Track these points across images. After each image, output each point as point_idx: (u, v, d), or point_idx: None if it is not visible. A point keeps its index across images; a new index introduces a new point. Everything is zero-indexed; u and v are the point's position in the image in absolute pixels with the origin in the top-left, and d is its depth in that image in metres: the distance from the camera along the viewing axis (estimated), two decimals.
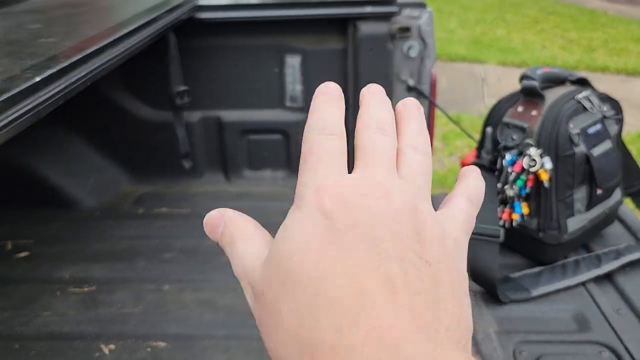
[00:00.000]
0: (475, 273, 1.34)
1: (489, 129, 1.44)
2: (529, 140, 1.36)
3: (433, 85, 1.80)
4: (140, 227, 1.74)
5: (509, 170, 1.37)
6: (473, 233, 1.11)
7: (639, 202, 1.65)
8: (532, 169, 1.35)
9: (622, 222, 1.72)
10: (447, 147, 4.19)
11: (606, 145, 1.44)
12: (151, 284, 1.47)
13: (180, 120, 1.73)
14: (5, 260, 1.59)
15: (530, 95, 1.41)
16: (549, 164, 1.34)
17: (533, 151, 1.34)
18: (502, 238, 1.33)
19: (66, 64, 0.97)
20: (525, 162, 1.35)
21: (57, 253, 1.61)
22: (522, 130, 1.38)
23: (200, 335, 1.29)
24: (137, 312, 1.37)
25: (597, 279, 1.44)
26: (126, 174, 2.03)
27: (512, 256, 1.54)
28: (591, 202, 1.44)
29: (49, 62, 0.97)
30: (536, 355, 1.20)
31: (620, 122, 1.51)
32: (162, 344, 1.26)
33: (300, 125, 1.93)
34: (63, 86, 0.94)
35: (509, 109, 1.44)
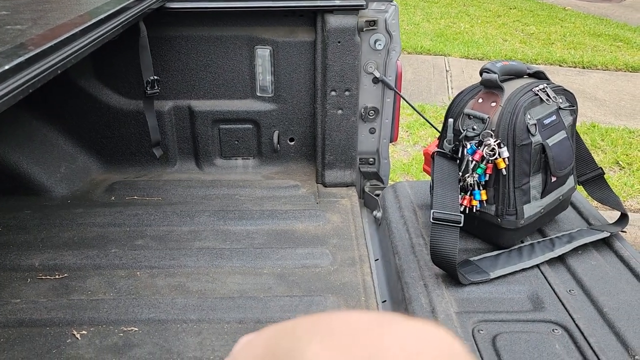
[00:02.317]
0: (437, 257, 1.41)
1: (450, 120, 1.50)
2: (489, 131, 1.43)
3: (399, 77, 1.86)
4: (111, 214, 1.74)
5: (470, 159, 1.44)
6: (435, 218, 1.18)
7: (591, 189, 1.75)
8: (491, 158, 1.42)
9: (575, 207, 1.82)
10: (412, 136, 4.29)
11: (561, 135, 1.53)
12: (123, 271, 1.49)
13: (151, 109, 1.74)
14: None
15: (490, 87, 1.48)
16: (506, 153, 1.42)
17: (492, 141, 1.42)
18: (461, 223, 1.40)
19: (36, 52, 0.97)
20: (485, 151, 1.42)
21: (26, 241, 1.61)
22: (482, 121, 1.45)
23: (172, 320, 1.32)
24: (109, 299, 1.39)
25: (551, 262, 1.53)
26: (97, 162, 2.02)
27: (473, 241, 1.62)
28: (546, 189, 1.53)
29: (17, 50, 0.97)
30: (493, 333, 1.28)
31: (574, 113, 1.60)
32: (134, 328, 1.29)
33: (270, 114, 1.97)
34: (32, 74, 0.94)
35: (469, 100, 1.51)
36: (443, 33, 7.18)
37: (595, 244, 1.61)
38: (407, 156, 4.01)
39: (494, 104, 1.47)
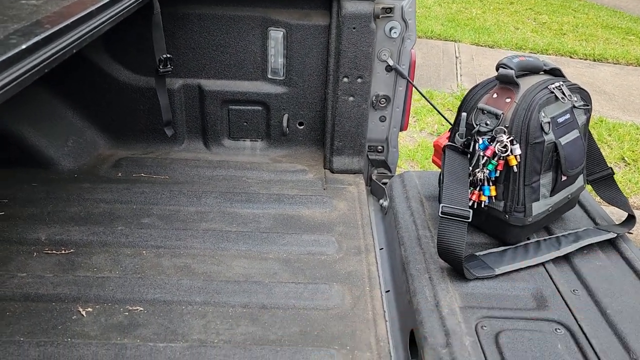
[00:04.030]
0: (444, 251, 1.41)
1: (463, 114, 1.49)
2: (502, 127, 1.42)
3: (412, 66, 1.84)
4: (118, 191, 1.74)
5: (481, 154, 1.43)
6: (444, 213, 1.18)
7: (599, 188, 1.75)
8: (503, 155, 1.41)
9: (582, 206, 1.82)
10: (418, 122, 4.27)
11: (574, 134, 1.52)
12: (129, 249, 1.49)
13: (163, 88, 1.73)
14: None
15: (506, 82, 1.47)
16: (518, 150, 1.41)
17: (505, 137, 1.41)
18: (470, 219, 1.40)
19: (52, 31, 0.94)
20: (497, 147, 1.41)
21: (32, 214, 1.61)
22: (496, 116, 1.44)
23: (177, 301, 1.32)
24: (114, 277, 1.39)
25: (556, 260, 1.53)
26: (105, 138, 2.02)
27: (479, 235, 1.62)
28: (556, 188, 1.52)
29: (33, 28, 0.94)
30: (497, 330, 1.29)
31: (588, 112, 1.58)
32: (139, 308, 1.30)
33: (281, 98, 1.95)
34: (49, 54, 0.92)
35: (484, 95, 1.50)
36: (454, 18, 7.09)
37: (601, 244, 1.61)
38: (413, 142, 4.00)
39: (508, 100, 1.45)
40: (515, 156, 1.41)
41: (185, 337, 1.22)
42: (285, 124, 1.96)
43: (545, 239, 1.58)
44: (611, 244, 1.62)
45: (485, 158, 1.43)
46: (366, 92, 1.83)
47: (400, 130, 1.97)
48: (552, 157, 1.48)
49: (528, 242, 1.57)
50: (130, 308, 1.29)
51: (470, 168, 1.48)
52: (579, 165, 1.54)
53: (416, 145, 3.95)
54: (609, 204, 1.74)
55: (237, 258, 1.49)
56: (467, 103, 1.52)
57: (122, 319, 1.27)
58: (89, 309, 1.29)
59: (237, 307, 1.32)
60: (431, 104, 1.96)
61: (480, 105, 1.48)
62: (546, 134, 1.44)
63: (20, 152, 1.81)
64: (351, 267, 1.48)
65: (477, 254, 1.51)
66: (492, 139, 1.43)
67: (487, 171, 1.46)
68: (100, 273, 1.40)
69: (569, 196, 1.61)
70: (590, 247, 1.58)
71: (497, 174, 1.46)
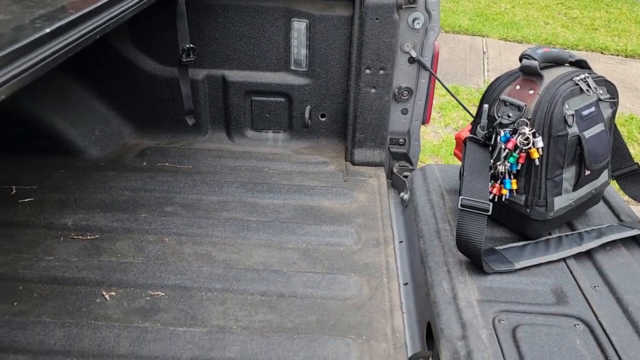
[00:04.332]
0: (463, 244, 1.41)
1: (485, 106, 1.48)
2: (524, 119, 1.40)
3: (435, 58, 1.83)
4: (142, 179, 1.78)
5: (502, 146, 1.42)
6: (463, 205, 1.17)
7: (625, 185, 1.71)
8: (525, 147, 1.40)
9: (607, 202, 1.79)
10: (444, 118, 4.23)
11: (599, 127, 1.49)
12: (152, 236, 1.52)
13: (185, 78, 1.75)
14: (9, 205, 1.63)
15: (529, 74, 1.45)
16: (540, 143, 1.39)
17: (527, 130, 1.39)
18: (490, 212, 1.39)
19: (76, 16, 0.97)
20: (519, 140, 1.40)
21: (60, 200, 1.66)
22: (519, 108, 1.42)
23: (198, 287, 1.35)
24: (137, 262, 1.42)
25: (578, 256, 1.51)
26: (130, 127, 2.06)
27: (499, 229, 1.61)
28: (579, 182, 1.49)
29: (58, 13, 0.97)
30: (514, 324, 1.28)
31: (614, 105, 1.55)
32: (160, 293, 1.33)
33: (303, 89, 1.96)
34: (72, 39, 0.94)
35: (507, 86, 1.48)
36: (483, 12, 6.99)
37: (624, 241, 1.58)
38: (437, 138, 3.96)
39: (531, 92, 1.43)
40: (538, 149, 1.40)
41: (204, 323, 1.25)
42: (307, 115, 1.97)
43: (567, 235, 1.56)
44: (635, 241, 1.59)
45: (507, 151, 1.42)
46: (388, 84, 1.83)
47: (423, 124, 1.96)
48: (576, 150, 1.45)
49: (550, 237, 1.55)
50: (152, 293, 1.32)
51: (492, 161, 1.47)
52: (604, 159, 1.51)
53: (440, 141, 3.91)
54: (634, 200, 1.71)
55: (256, 247, 1.50)
56: (490, 95, 1.50)
57: (143, 304, 1.30)
58: (112, 293, 1.32)
59: (256, 295, 1.34)
60: (454, 96, 1.95)
61: (503, 97, 1.46)
62: (570, 126, 1.41)
63: (49, 140, 1.87)
64: (369, 258, 1.49)
65: (496, 248, 1.50)
66: (514, 131, 1.41)
67: (509, 164, 1.44)
68: (124, 258, 1.44)
69: (593, 191, 1.58)
70: (613, 243, 1.56)
71: (519, 167, 1.45)
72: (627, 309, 1.33)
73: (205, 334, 1.21)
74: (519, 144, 1.40)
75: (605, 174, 1.61)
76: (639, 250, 1.56)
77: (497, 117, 1.45)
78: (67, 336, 1.19)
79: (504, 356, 1.19)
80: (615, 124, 1.66)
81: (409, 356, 1.29)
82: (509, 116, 1.44)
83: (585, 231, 1.57)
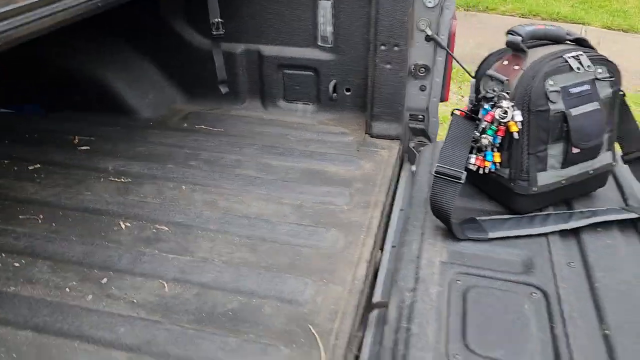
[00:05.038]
0: (435, 209, 1.48)
1: (472, 80, 1.53)
2: (505, 93, 1.44)
3: (452, 36, 1.88)
4: (178, 137, 2.04)
5: (482, 119, 1.47)
6: (437, 172, 1.30)
7: (635, 169, 1.66)
8: (503, 121, 1.43)
9: (619, 186, 1.75)
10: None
11: (592, 106, 1.47)
12: (172, 183, 1.77)
13: (218, 49, 1.97)
14: (69, 150, 1.96)
15: (515, 50, 1.47)
16: (519, 117, 1.42)
17: (505, 103, 1.42)
18: (463, 180, 1.45)
19: None
20: (497, 113, 1.44)
21: (108, 150, 1.96)
22: (502, 83, 1.46)
23: (196, 226, 1.56)
24: (154, 202, 1.67)
25: (564, 234, 1.52)
26: (181, 94, 2.34)
27: (490, 203, 1.65)
28: (567, 160, 1.50)
29: None
30: (469, 285, 1.34)
31: (614, 85, 1.52)
32: (165, 228, 1.56)
33: (329, 64, 2.11)
34: None
35: (495, 62, 1.52)
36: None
37: (622, 226, 1.55)
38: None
39: (516, 67, 1.46)
40: (516, 122, 1.43)
41: (192, 254, 1.46)
42: (331, 89, 2.11)
43: (557, 213, 1.57)
44: (634, 226, 1.55)
45: (485, 123, 1.46)
46: (403, 60, 1.91)
47: (441, 101, 2.01)
48: (562, 127, 1.46)
49: (537, 214, 1.57)
50: (158, 227, 1.56)
51: (478, 134, 1.52)
52: (595, 139, 1.50)
53: None
54: None
55: (256, 200, 1.69)
56: (480, 70, 1.55)
57: (149, 234, 1.54)
58: (128, 224, 1.58)
59: (242, 238, 1.52)
60: (469, 73, 1.97)
61: (489, 72, 1.51)
62: (553, 102, 1.43)
63: (110, 101, 2.19)
64: (355, 217, 1.61)
65: (478, 218, 1.55)
66: (494, 105, 1.46)
67: (490, 137, 1.49)
68: (145, 198, 1.69)
69: (591, 172, 1.57)
70: (607, 226, 1.54)
71: (500, 141, 1.49)
72: (593, 284, 1.34)
73: (190, 262, 1.42)
74: (497, 117, 1.44)
75: (607, 156, 1.59)
76: (635, 234, 1.53)
77: (482, 92, 1.50)
78: (83, 252, 1.46)
79: (448, 310, 1.27)
80: (628, 108, 1.62)
81: (372, 303, 1.40)
82: (494, 90, 1.48)
83: (579, 211, 1.57)
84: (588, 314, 1.25)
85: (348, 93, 2.15)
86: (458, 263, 1.42)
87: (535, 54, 1.48)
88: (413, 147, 2.04)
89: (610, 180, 1.77)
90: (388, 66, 1.93)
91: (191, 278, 1.37)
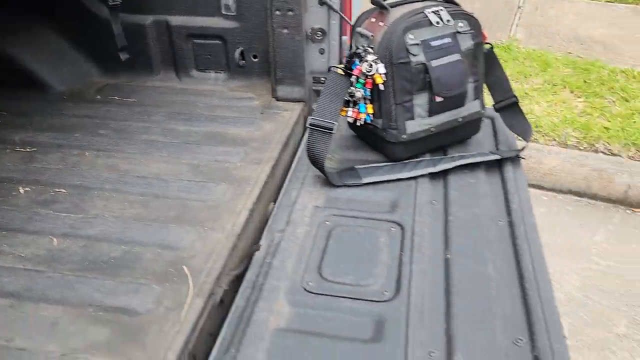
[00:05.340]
0: (311, 158, 1.60)
1: (344, 37, 1.64)
2: (370, 48, 1.55)
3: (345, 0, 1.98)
4: (90, 108, 2.11)
5: (352, 73, 1.58)
6: (311, 124, 1.42)
7: (505, 116, 1.79)
8: (369, 74, 1.55)
9: (495, 134, 1.89)
10: None
11: (452, 57, 1.60)
12: (76, 150, 1.85)
13: (115, 18, 2.05)
14: None
15: (379, 7, 1.58)
16: (382, 70, 1.54)
17: (370, 57, 1.54)
18: (334, 131, 1.57)
19: None
20: (364, 67, 1.55)
21: (19, 123, 2.03)
22: (368, 38, 1.57)
23: (93, 187, 1.65)
24: (56, 168, 1.75)
25: (434, 177, 1.65)
26: (96, 68, 2.40)
27: (373, 154, 1.77)
28: (432, 109, 1.62)
29: None
30: (336, 225, 1.47)
31: (476, 38, 1.64)
32: (63, 191, 1.65)
33: (234, 32, 2.19)
34: None
35: (365, 20, 1.63)
36: None
37: (488, 168, 1.69)
38: None
39: (381, 24, 1.57)
40: (380, 74, 1.55)
41: (84, 212, 1.55)
42: (237, 56, 2.20)
43: (428, 159, 1.70)
44: (499, 168, 1.69)
45: (354, 77, 1.58)
46: (298, 25, 2.00)
47: (340, 63, 2.11)
48: (425, 78, 1.58)
49: (411, 160, 1.70)
50: (57, 190, 1.65)
51: (353, 88, 1.63)
52: (457, 88, 1.62)
53: None
54: (512, 131, 1.79)
55: (156, 162, 1.78)
56: (354, 28, 1.66)
57: (47, 197, 1.62)
58: (27, 189, 1.66)
59: (136, 195, 1.62)
60: (356, 32, 2.07)
61: (358, 29, 1.62)
62: (414, 55, 1.55)
63: (25, 77, 2.25)
64: (245, 173, 1.72)
65: (356, 166, 1.67)
66: (362, 60, 1.57)
67: (362, 90, 1.60)
68: (47, 165, 1.77)
69: (460, 119, 1.70)
70: (474, 168, 1.68)
71: (371, 93, 1.60)
72: (447, 218, 1.48)
73: (81, 219, 1.52)
74: (364, 71, 1.56)
75: (475, 104, 1.71)
76: (497, 174, 1.67)
77: (352, 48, 1.61)
78: None
79: (312, 247, 1.39)
80: (496, 59, 1.75)
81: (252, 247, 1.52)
82: (363, 46, 1.59)
83: (450, 156, 1.70)
84: (436, 243, 1.39)
85: (255, 59, 2.24)
86: (332, 207, 1.55)
87: (399, 11, 1.59)
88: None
89: (489, 127, 1.91)
90: (285, 31, 2.02)
91: (80, 233, 1.47)
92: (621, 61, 4.55)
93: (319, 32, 2.04)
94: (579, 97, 4.07)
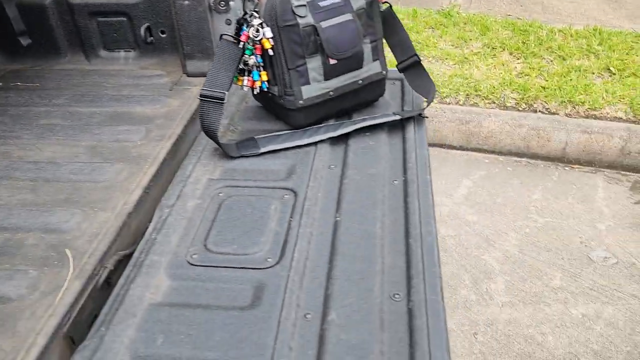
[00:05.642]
0: (205, 129, 1.55)
1: (231, 2, 1.58)
2: (255, 12, 1.50)
3: None
4: None
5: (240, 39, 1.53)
6: (202, 95, 1.35)
7: (409, 76, 1.77)
8: (257, 39, 1.50)
9: (403, 95, 1.86)
10: None
11: (343, 18, 1.55)
12: None
13: (10, 1, 1.95)
14: None
15: None
16: (269, 34, 1.49)
17: (256, 21, 1.49)
18: (225, 100, 1.52)
19: None
20: (251, 32, 1.50)
21: None
22: (254, 2, 1.52)
23: None
24: None
25: (335, 142, 1.62)
26: (4, 55, 2.29)
27: (277, 123, 1.73)
28: (327, 72, 1.58)
29: None
30: (228, 195, 1.43)
31: None
32: None
33: (138, 7, 2.11)
34: None
35: None
36: None
37: (390, 130, 1.67)
38: None
39: None
40: (268, 39, 1.50)
41: None
42: (143, 33, 2.13)
43: (329, 124, 1.67)
44: (402, 129, 1.67)
45: (242, 43, 1.53)
46: None
47: None
48: (315, 40, 1.54)
49: (313, 126, 1.66)
50: None
51: (245, 56, 1.58)
52: (350, 49, 1.58)
53: None
54: (415, 91, 1.77)
55: (53, 145, 1.71)
56: None
57: None
58: None
59: (26, 181, 1.56)
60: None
61: None
62: (301, 17, 1.50)
63: None
64: (146, 151, 1.66)
65: (255, 137, 1.63)
66: (248, 25, 1.52)
67: (254, 57, 1.55)
68: None
69: (360, 82, 1.66)
70: (377, 130, 1.65)
71: (262, 59, 1.56)
72: (342, 181, 1.45)
73: None
74: (251, 36, 1.51)
75: (375, 65, 1.68)
76: (399, 135, 1.65)
77: (241, 13, 1.56)
78: None
79: (202, 220, 1.35)
80: (396, 19, 1.72)
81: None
82: (249, 10, 1.54)
83: (351, 120, 1.67)
84: (328, 207, 1.37)
85: (164, 35, 2.17)
86: (227, 178, 1.51)
87: None
88: None
89: (399, 89, 1.89)
90: (186, 2, 1.95)
91: None
92: (559, 20, 4.57)
93: (222, 2, 1.98)
94: (517, 59, 4.08)
